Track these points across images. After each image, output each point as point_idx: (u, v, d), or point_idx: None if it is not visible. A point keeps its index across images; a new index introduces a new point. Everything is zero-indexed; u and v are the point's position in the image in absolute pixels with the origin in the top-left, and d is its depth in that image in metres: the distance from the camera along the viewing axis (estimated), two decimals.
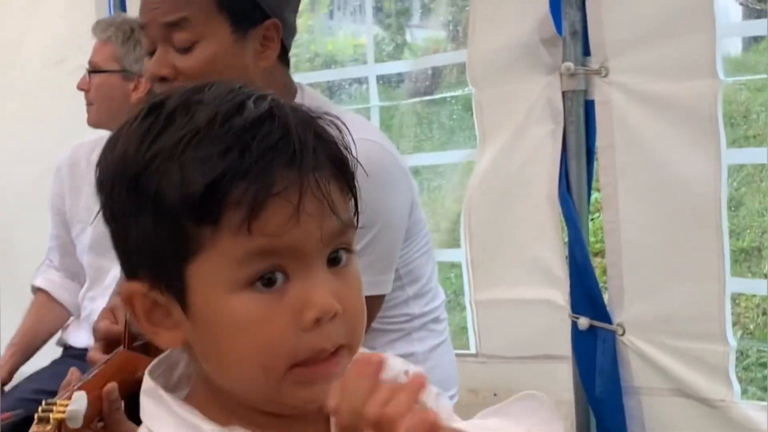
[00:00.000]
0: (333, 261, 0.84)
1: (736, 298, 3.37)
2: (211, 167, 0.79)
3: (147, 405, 0.87)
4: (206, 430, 0.84)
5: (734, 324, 3.81)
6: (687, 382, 2.23)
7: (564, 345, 2.41)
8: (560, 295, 2.42)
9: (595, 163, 2.39)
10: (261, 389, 0.83)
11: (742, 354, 3.63)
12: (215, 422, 0.84)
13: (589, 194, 2.43)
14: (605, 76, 2.30)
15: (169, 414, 0.85)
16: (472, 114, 2.61)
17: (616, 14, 2.27)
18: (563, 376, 2.43)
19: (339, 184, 0.85)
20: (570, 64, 2.33)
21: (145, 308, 0.85)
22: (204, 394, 0.87)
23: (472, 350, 2.64)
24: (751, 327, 3.87)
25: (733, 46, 4.86)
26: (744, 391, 2.59)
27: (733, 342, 2.19)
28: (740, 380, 2.35)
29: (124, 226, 0.83)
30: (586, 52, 2.33)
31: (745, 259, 4.12)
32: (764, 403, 2.17)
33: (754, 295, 3.76)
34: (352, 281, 0.86)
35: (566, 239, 2.41)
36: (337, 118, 0.86)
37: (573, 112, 2.37)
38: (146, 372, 0.88)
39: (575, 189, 2.39)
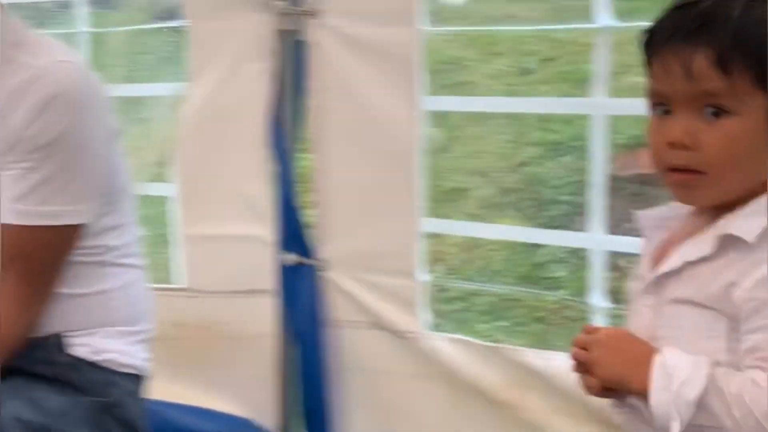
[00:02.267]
0: (715, 113, 1.17)
1: (440, 236, 3.56)
2: (647, 29, 1.23)
3: None
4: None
5: (438, 260, 4.06)
6: (382, 315, 2.36)
7: (270, 280, 2.47)
8: (268, 231, 2.47)
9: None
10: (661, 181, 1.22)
11: (442, 289, 3.86)
12: None
13: (300, 134, 2.48)
14: (316, 17, 2.34)
15: None
16: (183, 47, 2.58)
17: None
18: (268, 310, 2.49)
19: (708, 58, 1.15)
20: (282, 3, 2.35)
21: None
22: None
23: (182, 285, 2.64)
24: (455, 263, 4.12)
25: None
26: (441, 324, 2.77)
27: (422, 278, 2.33)
28: (438, 313, 2.51)
29: None
30: None
31: (449, 199, 4.37)
32: (448, 335, 2.33)
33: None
34: (717, 132, 1.16)
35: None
36: None
37: (285, 51, 2.40)
38: None
39: (286, 130, 2.43)
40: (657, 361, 1.16)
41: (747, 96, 1.14)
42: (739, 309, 1.14)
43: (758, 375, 1.11)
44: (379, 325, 2.37)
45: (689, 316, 1.19)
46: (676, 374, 1.14)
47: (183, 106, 2.57)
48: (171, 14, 2.96)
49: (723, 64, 1.13)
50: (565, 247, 3.86)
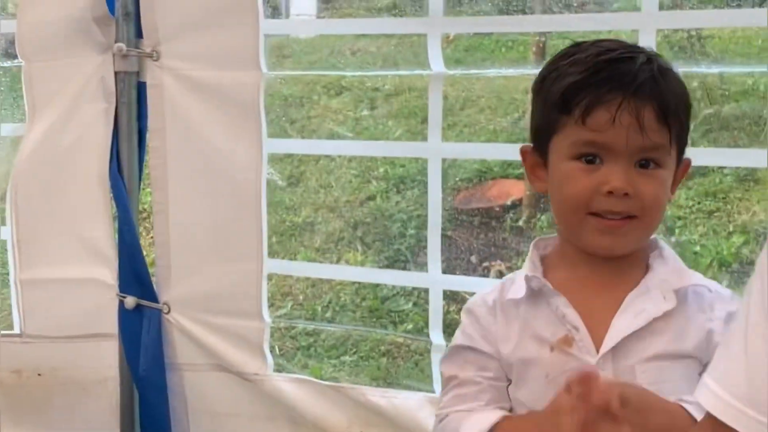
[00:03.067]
0: (643, 165, 1.24)
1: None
2: (573, 78, 1.24)
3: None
4: (532, 271, 1.30)
5: (285, 295, 4.07)
6: (226, 358, 2.35)
7: (112, 323, 2.43)
8: (109, 273, 2.43)
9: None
10: (569, 224, 1.27)
11: (289, 327, 3.88)
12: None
13: (141, 175, 2.46)
14: (157, 59, 2.33)
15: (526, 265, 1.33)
16: (21, 87, 2.52)
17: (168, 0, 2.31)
18: (110, 354, 2.45)
19: (656, 113, 1.22)
20: (122, 45, 2.34)
21: (531, 163, 1.33)
22: (554, 250, 1.35)
23: (17, 330, 2.57)
24: (301, 298, 4.14)
25: None
26: (287, 361, 2.79)
27: (268, 319, 2.34)
28: (284, 350, 2.52)
29: (533, 112, 1.31)
30: (140, 34, 2.35)
31: (298, 234, 4.40)
32: (292, 376, 2.35)
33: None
34: (652, 181, 1.24)
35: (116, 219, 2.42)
36: None
37: (125, 92, 2.38)
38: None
39: (126, 169, 2.40)
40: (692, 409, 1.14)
41: (671, 150, 1.26)
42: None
43: None
44: (223, 367, 2.36)
45: (672, 369, 1.22)
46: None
47: (19, 147, 2.51)
48: (6, 54, 2.89)
49: (666, 120, 1.23)
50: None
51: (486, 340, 1.30)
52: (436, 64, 2.12)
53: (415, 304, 3.86)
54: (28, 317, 2.54)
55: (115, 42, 2.35)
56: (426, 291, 2.34)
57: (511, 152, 2.70)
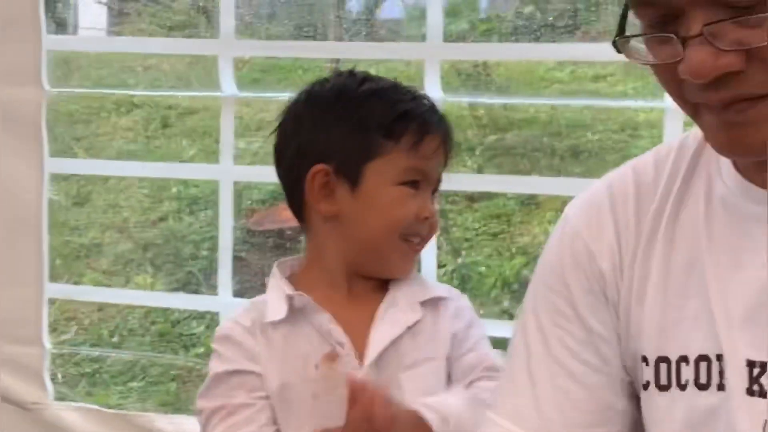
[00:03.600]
0: (434, 191, 1.38)
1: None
2: (402, 106, 1.31)
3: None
4: (285, 289, 1.32)
5: (71, 320, 3.92)
6: (6, 387, 2.24)
7: None
8: None
9: None
10: (379, 247, 1.33)
11: (74, 353, 3.75)
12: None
13: None
14: None
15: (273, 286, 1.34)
16: None
17: None
18: None
19: (449, 146, 1.37)
20: None
21: (320, 183, 1.32)
22: (303, 271, 1.38)
23: None
24: (86, 322, 4.00)
25: None
26: (74, 388, 2.68)
27: (48, 345, 2.25)
28: (70, 378, 2.43)
29: (325, 131, 1.33)
30: None
31: (84, 255, 4.26)
32: (77, 404, 2.27)
33: None
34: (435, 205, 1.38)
35: None
36: None
37: None
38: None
39: None
40: (421, 409, 1.23)
41: None
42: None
43: (489, 384, 1.28)
44: (3, 396, 2.25)
45: (428, 373, 1.31)
46: (447, 411, 1.24)
47: None
48: None
49: (447, 153, 1.38)
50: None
51: (251, 361, 1.28)
52: (228, 86, 2.11)
53: (207, 327, 3.80)
54: None
55: None
56: (216, 313, 2.32)
57: None
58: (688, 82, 0.83)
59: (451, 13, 4.32)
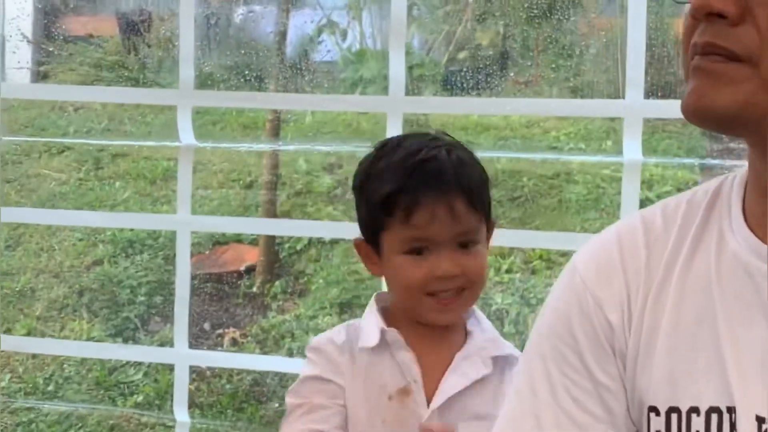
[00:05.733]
0: (463, 245, 1.42)
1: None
2: (391, 185, 1.39)
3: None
4: (378, 324, 1.44)
5: (4, 366, 3.81)
6: None
7: None
8: None
9: None
10: (409, 304, 1.42)
11: (5, 404, 3.64)
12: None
13: None
14: None
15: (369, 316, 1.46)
16: None
17: None
18: None
19: (465, 202, 1.40)
20: None
21: (365, 252, 1.47)
22: (393, 306, 1.48)
23: None
24: (21, 370, 3.90)
25: None
26: None
27: None
28: (1, 427, 2.34)
29: (358, 208, 1.47)
30: None
31: (18, 301, 4.16)
32: None
33: None
34: (474, 258, 1.43)
35: None
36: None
37: None
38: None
39: None
40: None
41: (481, 227, 1.44)
42: None
43: None
44: None
45: (485, 428, 1.27)
46: None
47: None
48: None
49: (474, 206, 1.41)
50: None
51: (336, 373, 1.41)
52: (186, 136, 2.10)
53: (145, 374, 3.73)
54: None
55: None
56: (161, 363, 2.29)
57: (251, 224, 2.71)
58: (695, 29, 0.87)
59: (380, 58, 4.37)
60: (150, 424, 3.66)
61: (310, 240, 4.18)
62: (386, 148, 1.46)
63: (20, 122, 4.83)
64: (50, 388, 3.82)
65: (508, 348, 1.46)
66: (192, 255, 4.14)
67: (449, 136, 1.50)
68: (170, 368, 2.34)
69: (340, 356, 1.42)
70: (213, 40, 4.91)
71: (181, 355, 2.17)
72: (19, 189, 4.53)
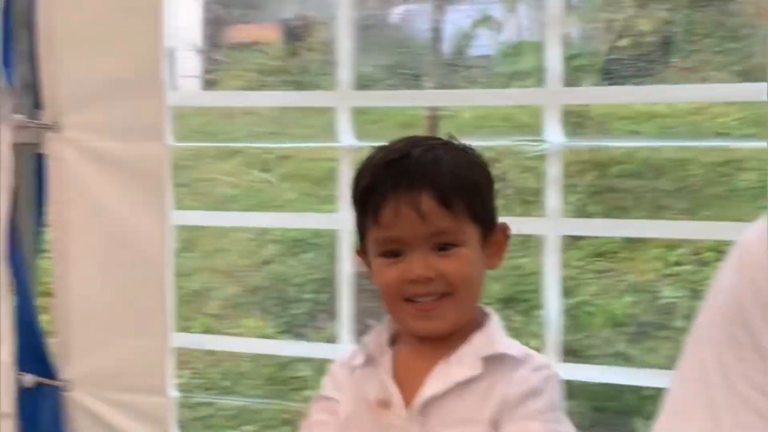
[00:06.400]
0: (441, 248, 1.31)
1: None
2: (363, 183, 1.33)
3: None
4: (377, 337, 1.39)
5: (183, 364, 3.99)
6: None
7: (9, 402, 2.34)
8: (5, 350, 2.34)
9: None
10: (390, 311, 1.35)
11: (188, 396, 3.80)
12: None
13: (40, 249, 2.40)
14: (57, 131, 2.29)
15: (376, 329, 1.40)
16: None
17: (70, 71, 2.27)
18: None
19: (435, 200, 1.29)
20: (21, 117, 2.29)
21: (360, 260, 1.39)
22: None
23: None
24: (200, 367, 4.07)
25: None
26: (189, 429, 2.72)
27: (174, 394, 2.30)
28: (185, 422, 2.47)
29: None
30: (39, 105, 2.31)
31: (193, 300, 4.35)
32: None
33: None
34: (454, 261, 1.31)
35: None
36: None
37: (24, 165, 2.33)
38: None
39: (24, 244, 2.34)
40: None
41: (465, 227, 1.32)
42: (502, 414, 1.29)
43: None
44: None
45: None
46: None
47: None
48: None
49: (447, 204, 1.30)
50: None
51: (337, 390, 1.39)
52: (346, 137, 2.15)
53: (315, 369, 3.84)
54: None
55: (13, 113, 2.29)
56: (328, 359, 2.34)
57: None
58: None
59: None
60: None
61: None
62: (375, 151, 1.39)
63: (191, 129, 5.04)
64: (226, 383, 3.99)
65: (503, 347, 1.34)
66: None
67: (455, 139, 1.40)
68: None
69: (343, 373, 1.39)
70: (369, 41, 4.99)
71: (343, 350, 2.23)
72: (191, 193, 4.73)
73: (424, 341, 1.34)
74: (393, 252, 1.31)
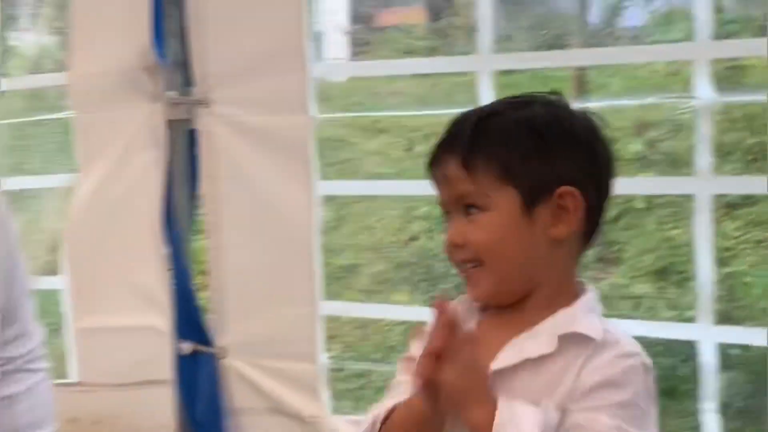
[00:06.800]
0: (469, 213, 1.24)
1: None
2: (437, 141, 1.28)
3: None
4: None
5: (333, 338, 4.06)
6: (283, 401, 2.35)
7: (167, 370, 2.43)
8: (163, 320, 2.44)
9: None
10: None
11: (339, 369, 3.87)
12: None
13: (194, 221, 2.48)
14: (208, 106, 2.36)
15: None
16: (72, 138, 2.56)
17: (219, 47, 2.34)
18: (166, 400, 2.45)
19: (459, 162, 1.22)
20: (173, 93, 2.37)
21: None
22: None
23: (74, 378, 2.58)
24: (351, 340, 4.13)
25: None
26: (340, 404, 2.76)
27: (324, 361, 2.34)
28: (337, 393, 2.51)
29: None
30: (191, 82, 2.38)
31: (342, 277, 4.41)
32: (352, 417, 2.34)
33: None
34: (477, 227, 1.23)
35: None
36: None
37: (177, 140, 2.41)
38: None
39: (179, 216, 2.42)
40: (503, 401, 1.15)
41: (493, 192, 1.22)
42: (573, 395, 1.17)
43: None
44: (280, 410, 2.36)
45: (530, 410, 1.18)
46: (520, 414, 1.14)
47: (72, 197, 2.53)
48: (57, 105, 2.94)
49: (467, 167, 1.22)
50: None
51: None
52: (488, 100, 2.12)
53: None
54: (85, 365, 2.56)
55: (166, 90, 2.38)
56: None
57: None
58: None
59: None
60: None
61: (623, 208, 4.08)
62: None
63: (339, 105, 5.10)
64: (377, 355, 4.03)
65: (584, 327, 1.21)
66: None
67: (559, 97, 1.28)
68: None
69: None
70: (515, 13, 4.93)
71: None
72: (339, 169, 4.79)
73: (505, 310, 1.25)
74: (445, 216, 1.27)
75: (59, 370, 2.63)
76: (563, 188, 1.22)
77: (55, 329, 2.94)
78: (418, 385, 1.15)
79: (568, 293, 1.24)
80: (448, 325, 1.15)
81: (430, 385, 1.14)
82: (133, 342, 2.49)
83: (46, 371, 1.81)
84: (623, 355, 1.19)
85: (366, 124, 4.97)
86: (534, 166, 1.22)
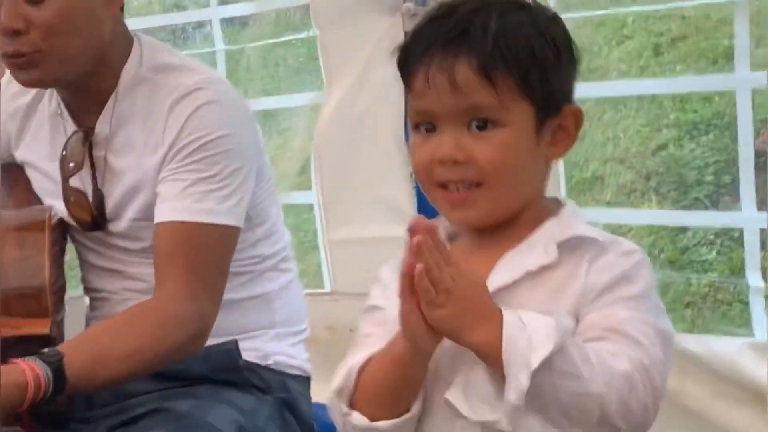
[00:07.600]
0: (479, 126, 1.11)
1: None
2: (406, 42, 1.14)
3: None
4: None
5: None
6: None
7: None
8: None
9: None
10: (432, 200, 1.15)
11: None
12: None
13: None
14: None
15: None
16: (318, 56, 2.63)
17: None
18: None
19: (474, 67, 1.08)
20: (410, 5, 2.37)
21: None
22: None
23: (327, 289, 2.69)
24: None
25: None
26: None
27: None
28: None
29: None
30: None
31: (587, 188, 4.33)
32: None
33: None
34: (488, 144, 1.10)
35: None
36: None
37: None
38: None
39: None
40: (509, 313, 1.07)
41: (512, 105, 1.10)
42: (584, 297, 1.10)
43: (605, 345, 1.07)
44: None
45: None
46: (530, 322, 1.05)
47: (319, 115, 2.62)
48: (301, 26, 3.03)
49: (486, 73, 1.09)
50: (712, 230, 3.74)
51: (386, 298, 1.22)
52: None
53: (718, 252, 3.67)
54: (337, 276, 2.66)
55: (404, 2, 2.38)
56: (731, 238, 2.22)
57: None
58: None
59: None
60: (725, 300, 3.61)
61: None
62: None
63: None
64: None
65: (581, 229, 1.12)
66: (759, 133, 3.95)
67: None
68: (742, 243, 2.24)
69: (390, 276, 1.19)
70: None
71: (750, 218, 2.10)
72: (585, 79, 4.67)
73: (485, 233, 1.16)
74: (426, 127, 1.13)
75: (316, 282, 2.76)
76: (570, 106, 1.15)
77: (311, 246, 3.08)
78: (403, 310, 1.06)
79: (548, 207, 1.17)
80: (429, 242, 1.04)
81: (414, 316, 1.05)
82: (382, 252, 2.54)
83: (295, 272, 1.90)
84: (626, 252, 1.12)
85: (610, 30, 4.79)
86: (550, 80, 1.12)
